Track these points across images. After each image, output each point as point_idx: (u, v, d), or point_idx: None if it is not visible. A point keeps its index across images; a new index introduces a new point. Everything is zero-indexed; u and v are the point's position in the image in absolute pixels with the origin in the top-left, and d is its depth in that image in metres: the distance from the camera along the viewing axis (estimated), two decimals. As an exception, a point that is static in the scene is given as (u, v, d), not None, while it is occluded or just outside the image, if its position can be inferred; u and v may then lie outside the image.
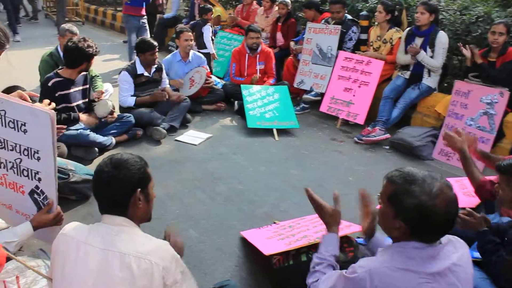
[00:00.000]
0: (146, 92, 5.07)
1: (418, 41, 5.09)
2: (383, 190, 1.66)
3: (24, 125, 2.02)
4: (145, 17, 7.59)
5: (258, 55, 6.01)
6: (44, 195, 2.22)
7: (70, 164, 3.40)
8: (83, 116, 4.32)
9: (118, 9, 12.61)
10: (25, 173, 2.18)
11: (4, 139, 2.13)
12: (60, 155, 3.76)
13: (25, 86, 5.54)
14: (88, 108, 4.47)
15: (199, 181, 3.97)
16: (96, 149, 4.29)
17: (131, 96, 4.95)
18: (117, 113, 4.70)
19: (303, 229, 2.85)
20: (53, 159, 2.06)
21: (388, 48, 5.54)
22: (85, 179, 3.44)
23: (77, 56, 4.09)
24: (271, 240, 2.71)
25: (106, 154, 4.38)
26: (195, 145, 4.77)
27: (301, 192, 3.86)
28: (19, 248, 2.28)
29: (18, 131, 2.05)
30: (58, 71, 4.19)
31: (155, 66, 5.12)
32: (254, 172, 4.21)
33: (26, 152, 2.11)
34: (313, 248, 2.61)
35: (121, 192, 1.71)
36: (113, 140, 4.48)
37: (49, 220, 2.24)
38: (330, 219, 2.01)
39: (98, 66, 7.71)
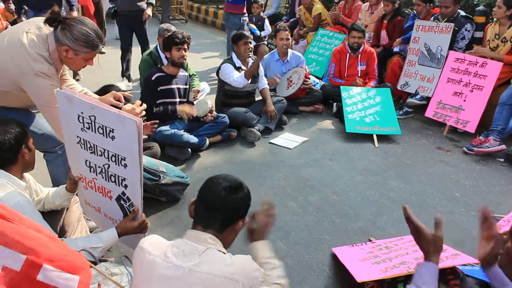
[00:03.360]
0: (244, 88, 5.02)
1: (547, 40, 4.50)
2: None
3: (112, 131, 2.01)
4: (246, 15, 7.57)
5: (359, 55, 5.72)
6: (130, 202, 2.21)
7: (161, 166, 3.42)
8: (179, 108, 4.36)
9: (220, 6, 12.87)
10: (113, 178, 2.18)
11: (94, 144, 2.14)
12: (154, 156, 3.81)
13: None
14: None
15: (292, 189, 3.82)
16: (189, 149, 4.32)
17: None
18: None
19: (402, 252, 2.59)
20: (139, 168, 2.03)
21: (508, 47, 4.95)
22: (176, 182, 3.44)
23: (167, 42, 4.28)
24: (364, 263, 2.49)
25: (200, 155, 4.41)
26: (289, 149, 4.63)
27: (400, 206, 3.58)
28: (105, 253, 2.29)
29: (106, 137, 2.05)
30: (161, 67, 4.41)
31: (251, 61, 5.06)
32: (350, 182, 3.97)
33: (113, 158, 2.10)
34: (411, 278, 2.36)
35: (239, 213, 1.74)
36: (207, 141, 4.48)
37: (133, 228, 2.23)
38: (430, 246, 1.69)
39: (196, 63, 7.91)
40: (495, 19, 5.08)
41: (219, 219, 1.68)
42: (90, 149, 2.17)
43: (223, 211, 1.68)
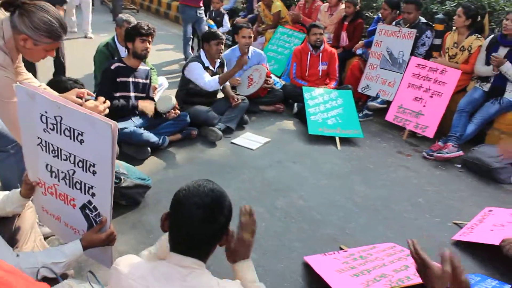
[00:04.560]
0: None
1: (503, 51, 4.60)
2: None
3: (81, 134, 1.78)
4: (202, 8, 7.36)
5: (321, 54, 5.66)
6: (96, 212, 1.99)
7: (122, 167, 3.19)
8: (141, 104, 4.14)
9: (174, -3, 12.52)
10: (78, 186, 1.95)
11: (58, 147, 1.90)
12: (111, 155, 3.57)
13: (77, 74, 5.41)
14: (146, 104, 4.30)
15: (257, 192, 3.70)
16: (149, 148, 4.10)
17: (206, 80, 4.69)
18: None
19: (379, 263, 2.53)
20: (111, 176, 1.81)
21: (465, 56, 5.06)
22: (137, 184, 3.23)
23: (130, 33, 4.01)
24: (343, 275, 2.40)
25: (160, 154, 4.20)
26: (252, 149, 4.50)
27: (367, 212, 3.57)
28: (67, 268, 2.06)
29: (74, 140, 1.81)
30: (122, 58, 4.16)
31: (219, 60, 4.88)
32: (316, 186, 3.89)
33: (80, 164, 1.87)
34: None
35: (222, 234, 1.55)
36: (167, 139, 4.27)
37: (100, 240, 2.00)
38: (437, 282, 1.54)
39: (151, 56, 7.55)
40: (454, 27, 5.18)
41: (201, 249, 1.50)
42: (53, 152, 1.93)
43: (204, 243, 1.50)
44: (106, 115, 3.40)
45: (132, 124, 4.07)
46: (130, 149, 4.05)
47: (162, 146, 4.23)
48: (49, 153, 1.96)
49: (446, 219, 3.53)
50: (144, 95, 4.24)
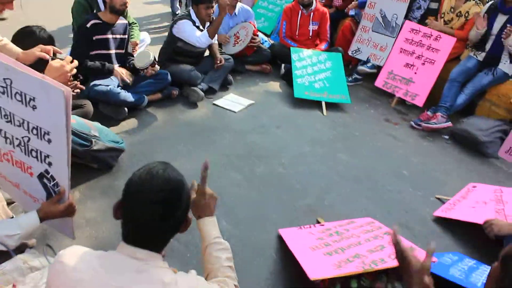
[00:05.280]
0: (198, 49, 4.58)
1: (501, 18, 4.42)
2: None
3: (33, 100, 1.63)
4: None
5: (312, 14, 5.40)
6: (54, 182, 1.85)
7: (94, 129, 3.00)
8: (117, 69, 3.92)
9: None
10: (34, 154, 1.81)
11: (10, 112, 1.75)
12: (85, 115, 3.37)
13: (52, 27, 5.09)
14: (124, 60, 4.06)
15: (237, 158, 3.56)
16: (126, 109, 3.90)
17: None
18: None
19: (354, 241, 2.44)
20: (66, 145, 1.67)
21: (461, 22, 4.87)
22: (110, 147, 3.07)
23: None
24: (315, 254, 2.31)
25: (138, 114, 4.03)
26: (234, 112, 4.33)
27: (348, 182, 3.47)
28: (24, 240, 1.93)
29: (26, 105, 1.67)
30: (98, 13, 3.87)
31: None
32: (298, 153, 3.76)
33: (35, 131, 1.73)
34: (366, 274, 2.22)
35: (179, 225, 1.40)
36: (146, 98, 4.06)
37: (59, 212, 1.87)
38: (415, 276, 1.44)
39: (138, 8, 7.26)
40: (453, -9, 4.95)
41: (157, 242, 1.36)
42: (6, 117, 1.78)
43: (160, 237, 1.36)
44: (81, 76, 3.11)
45: (110, 82, 3.85)
46: (107, 108, 3.85)
47: (140, 106, 4.03)
48: (1, 118, 1.81)
49: (429, 193, 3.44)
50: (122, 51, 4.01)
